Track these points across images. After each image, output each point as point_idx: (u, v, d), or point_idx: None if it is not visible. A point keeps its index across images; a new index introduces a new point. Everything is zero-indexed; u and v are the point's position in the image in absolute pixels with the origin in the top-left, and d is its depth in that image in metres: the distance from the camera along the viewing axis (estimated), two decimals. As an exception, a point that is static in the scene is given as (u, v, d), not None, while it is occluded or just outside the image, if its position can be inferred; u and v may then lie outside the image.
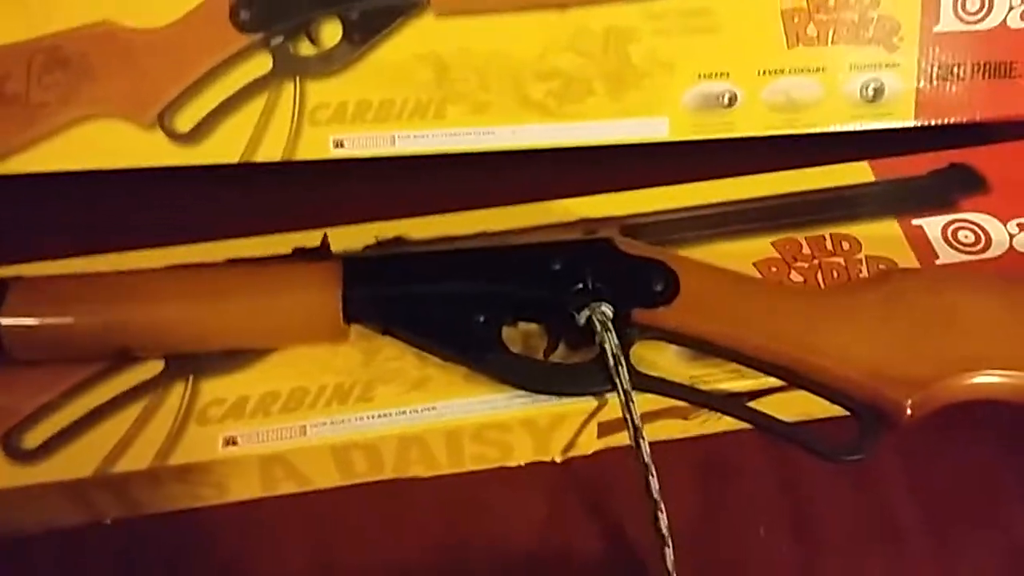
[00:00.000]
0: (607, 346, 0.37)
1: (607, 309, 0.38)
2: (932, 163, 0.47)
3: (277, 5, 0.48)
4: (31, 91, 0.48)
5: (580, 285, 0.39)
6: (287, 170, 0.49)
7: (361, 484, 0.41)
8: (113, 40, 0.48)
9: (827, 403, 0.37)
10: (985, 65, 0.50)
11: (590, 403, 0.38)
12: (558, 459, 0.42)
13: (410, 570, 0.39)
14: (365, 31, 0.49)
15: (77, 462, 0.37)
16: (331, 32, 0.49)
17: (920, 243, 0.44)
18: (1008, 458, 0.41)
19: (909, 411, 0.36)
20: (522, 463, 0.42)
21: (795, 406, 0.39)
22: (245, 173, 0.49)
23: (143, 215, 0.49)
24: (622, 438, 0.41)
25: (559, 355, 0.40)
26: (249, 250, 0.43)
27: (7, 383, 0.39)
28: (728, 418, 0.39)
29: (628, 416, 0.36)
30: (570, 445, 0.41)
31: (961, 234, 0.44)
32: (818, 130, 0.50)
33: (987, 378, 0.35)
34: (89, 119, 0.48)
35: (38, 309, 0.38)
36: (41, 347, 0.38)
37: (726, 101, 0.50)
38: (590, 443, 0.41)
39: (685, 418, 0.41)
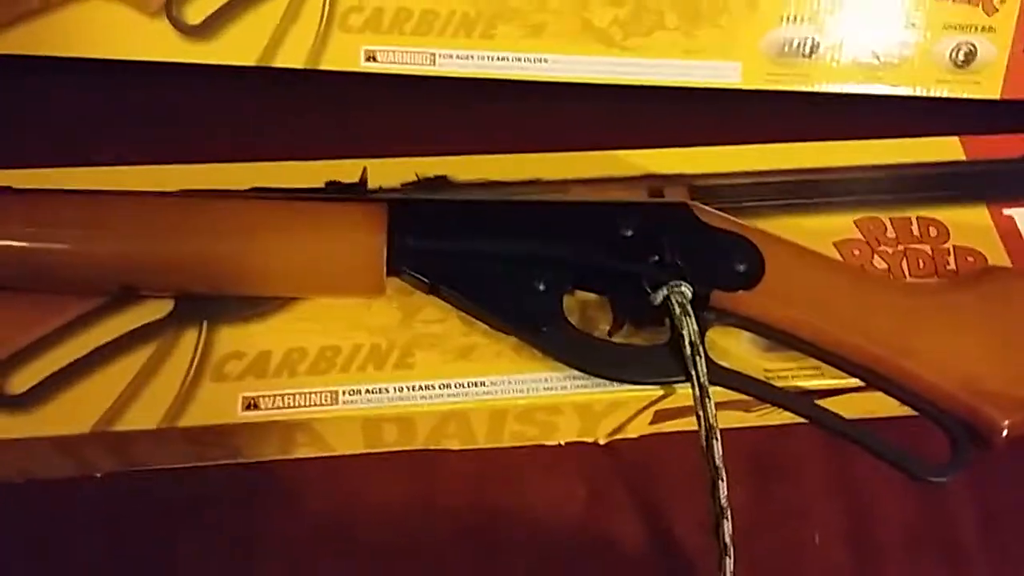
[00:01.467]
0: (686, 332, 0.33)
1: (687, 289, 0.34)
2: (1026, 146, 0.43)
3: None
4: (18, -41, 0.41)
5: (656, 257, 0.34)
6: (310, 80, 0.43)
7: (386, 452, 0.37)
8: (119, -92, 0.41)
9: (892, 403, 0.34)
10: (1089, 40, 0.45)
11: (654, 391, 0.35)
12: (602, 441, 0.38)
13: (437, 549, 0.36)
14: (414, -73, 0.42)
15: (72, 415, 0.32)
16: (376, -76, 0.42)
17: (1011, 235, 0.40)
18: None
19: (1005, 432, 0.33)
20: (562, 443, 0.38)
21: (858, 404, 0.35)
22: (261, 79, 0.43)
23: (143, 117, 0.42)
24: (673, 424, 0.38)
25: (620, 333, 0.36)
26: (274, 176, 0.38)
27: (-8, 313, 0.33)
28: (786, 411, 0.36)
29: (702, 413, 0.33)
30: (618, 429, 0.38)
31: (1055, 230, 0.40)
32: (899, 92, 0.46)
33: (1094, 404, 0.33)
34: (88, 1, 0.42)
35: (29, 228, 0.33)
36: (30, 273, 0.33)
37: (807, 50, 0.45)
38: (640, 428, 0.38)
39: (747, 410, 0.38)
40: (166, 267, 0.34)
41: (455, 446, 0.37)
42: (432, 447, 0.37)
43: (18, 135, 0.40)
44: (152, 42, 0.42)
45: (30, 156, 0.37)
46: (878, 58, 0.45)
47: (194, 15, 0.42)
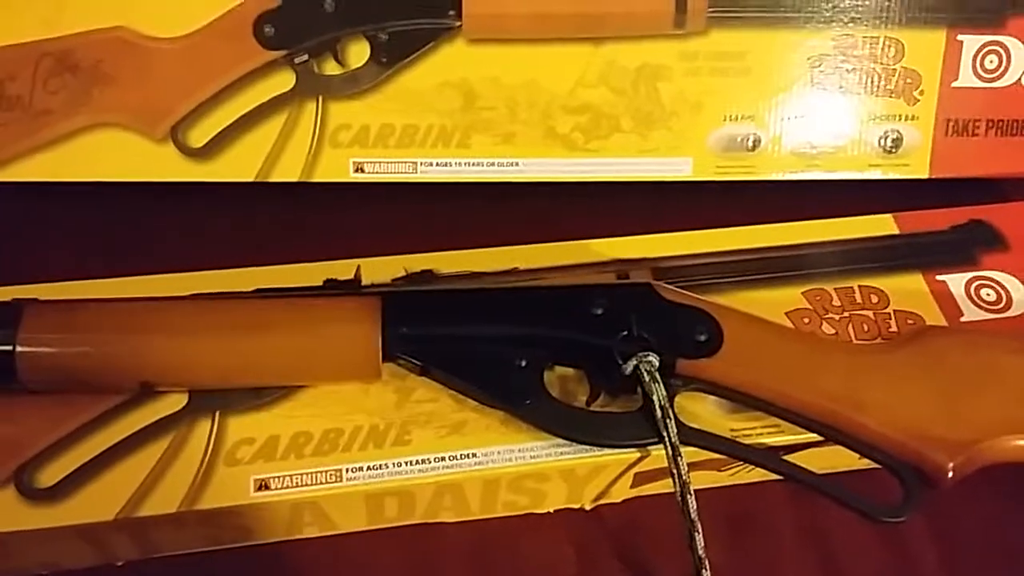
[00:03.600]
0: (655, 398, 0.36)
1: (654, 359, 0.37)
2: (952, 218, 0.48)
3: (304, 22, 0.46)
4: (35, 95, 0.46)
5: (625, 332, 0.38)
6: (305, 193, 0.47)
7: (388, 528, 0.40)
8: (127, 47, 0.46)
9: (855, 457, 0.37)
10: (999, 122, 0.51)
11: (631, 454, 0.38)
12: (588, 506, 0.41)
13: (439, 617, 0.38)
14: (393, 54, 0.47)
15: (97, 504, 0.35)
16: (358, 53, 0.47)
17: (945, 299, 0.44)
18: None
19: (951, 473, 0.36)
20: (551, 510, 0.41)
21: (824, 459, 0.39)
22: (261, 194, 0.47)
23: (155, 232, 0.46)
24: (653, 487, 0.41)
25: (597, 402, 0.39)
26: (276, 278, 0.42)
27: (20, 414, 0.36)
28: (757, 469, 0.39)
29: (676, 471, 0.36)
30: (602, 494, 0.41)
31: (983, 292, 0.45)
32: (837, 176, 0.51)
33: (1027, 442, 0.36)
34: (97, 128, 0.46)
35: (55, 336, 0.36)
36: (57, 376, 0.36)
37: (750, 144, 0.50)
38: (622, 492, 0.41)
39: (719, 469, 0.41)
40: (180, 365, 0.37)
41: (451, 518, 0.40)
42: (430, 520, 0.40)
43: (40, 252, 0.43)
44: (160, 165, 0.46)
45: (52, 271, 0.41)
46: (814, 148, 0.50)
47: (197, 139, 0.47)
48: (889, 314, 0.43)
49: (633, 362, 0.37)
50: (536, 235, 0.45)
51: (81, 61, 0.45)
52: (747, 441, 0.38)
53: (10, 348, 0.35)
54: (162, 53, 0.46)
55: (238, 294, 0.40)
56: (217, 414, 0.37)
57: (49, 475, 0.35)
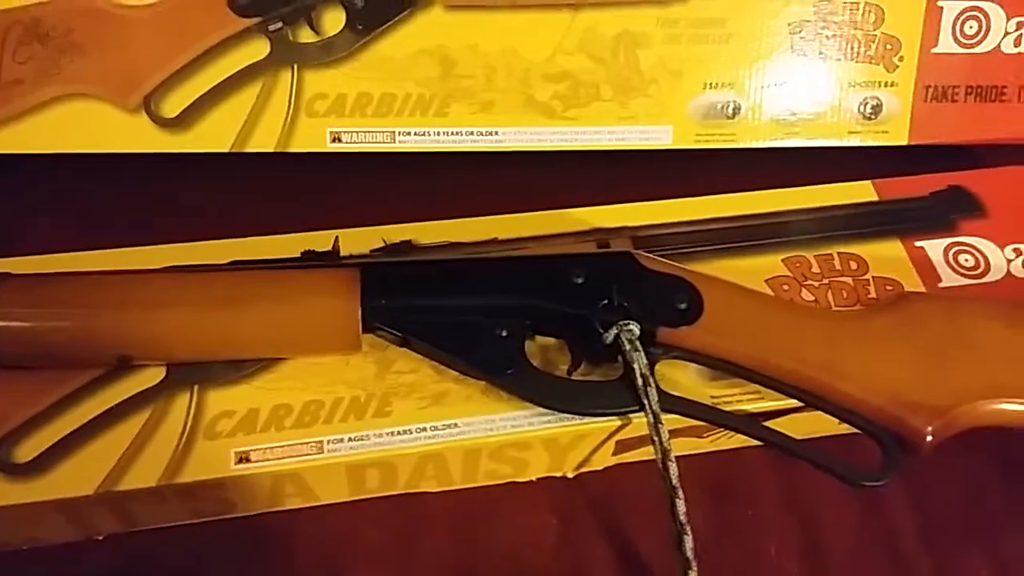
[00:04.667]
0: (636, 366, 0.36)
1: (635, 328, 0.37)
2: (931, 184, 0.48)
3: (279, -11, 0.45)
4: (3, 65, 0.45)
5: (605, 301, 0.38)
6: (281, 162, 0.47)
7: (370, 499, 0.40)
8: (99, 15, 0.45)
9: (835, 422, 0.38)
10: (979, 88, 0.51)
11: (613, 422, 0.38)
12: (570, 475, 0.41)
13: (422, 587, 0.39)
14: (369, 21, 0.46)
15: (77, 479, 0.34)
16: (334, 20, 0.46)
17: (924, 265, 0.44)
18: (1000, 480, 0.43)
19: (930, 438, 0.36)
20: (534, 478, 0.41)
21: (804, 425, 0.39)
22: (237, 164, 0.46)
23: (130, 203, 0.46)
24: (634, 455, 0.41)
25: (578, 371, 0.39)
26: (253, 250, 0.41)
27: (-5, 390, 0.36)
28: (738, 436, 0.40)
29: (657, 438, 0.36)
30: (584, 462, 0.41)
31: (962, 257, 0.45)
32: (816, 143, 0.51)
33: (1004, 405, 0.36)
34: (68, 99, 0.45)
35: (30, 310, 0.36)
36: (33, 351, 0.36)
37: (730, 111, 0.50)
38: (604, 460, 0.41)
39: (700, 436, 0.41)
40: (157, 338, 0.36)
41: (434, 488, 0.40)
42: (412, 490, 0.40)
43: (15, 226, 0.43)
44: (133, 135, 0.45)
45: (26, 244, 0.40)
46: (794, 115, 0.50)
47: (170, 109, 0.46)
48: (868, 280, 0.44)
49: (614, 331, 0.37)
50: (515, 205, 0.45)
51: (51, 30, 0.44)
52: (728, 408, 0.39)
53: (-17, 323, 0.35)
54: (134, 21, 0.45)
55: (215, 266, 0.39)
56: (196, 387, 0.37)
57: (27, 450, 0.35)
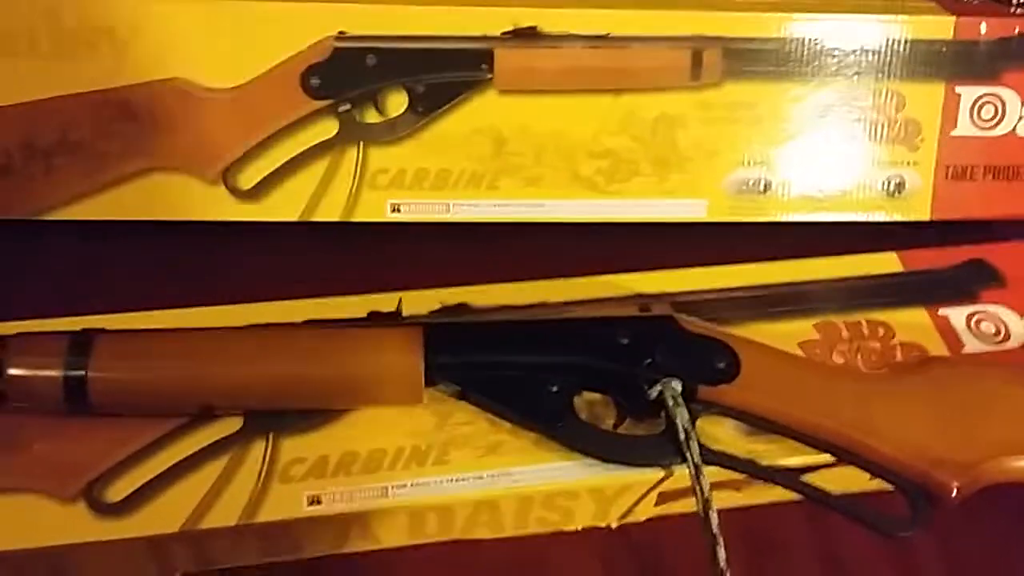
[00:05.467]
0: (678, 421, 0.39)
1: (677, 385, 0.40)
2: (953, 257, 0.51)
3: (347, 74, 0.50)
4: (96, 140, 0.49)
5: (649, 360, 0.41)
6: (345, 230, 0.51)
7: (426, 544, 0.42)
8: (183, 97, 0.49)
9: (866, 477, 0.40)
10: (996, 168, 0.54)
11: (656, 474, 0.40)
12: (614, 525, 0.44)
13: (474, 630, 0.41)
14: (429, 103, 0.51)
15: (163, 517, 0.37)
16: (397, 102, 0.51)
17: (947, 332, 0.47)
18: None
19: (955, 492, 0.39)
20: (579, 527, 0.44)
21: (837, 479, 0.41)
22: (304, 232, 0.50)
23: (208, 267, 0.50)
24: (677, 507, 0.44)
25: (623, 425, 0.42)
26: (322, 310, 0.45)
27: (89, 435, 0.39)
28: (774, 489, 0.42)
29: (698, 488, 0.38)
30: (628, 512, 0.43)
31: (983, 325, 0.47)
32: (843, 218, 0.54)
33: (1025, 463, 0.39)
34: (153, 171, 0.49)
35: (124, 363, 0.39)
36: (125, 401, 0.39)
37: (761, 187, 0.53)
38: (647, 510, 0.43)
39: (738, 489, 0.43)
40: (238, 389, 0.40)
41: (487, 534, 0.42)
42: (467, 536, 0.42)
43: (103, 286, 0.47)
44: (212, 205, 0.50)
45: (115, 303, 0.44)
46: (822, 191, 0.53)
47: (246, 181, 0.50)
48: (895, 346, 0.46)
49: (658, 388, 0.40)
50: (562, 271, 0.49)
51: (140, 109, 0.49)
52: (764, 462, 0.41)
53: (82, 374, 0.38)
54: (215, 102, 0.49)
55: (290, 325, 0.43)
56: (271, 435, 0.40)
57: (117, 491, 0.38)
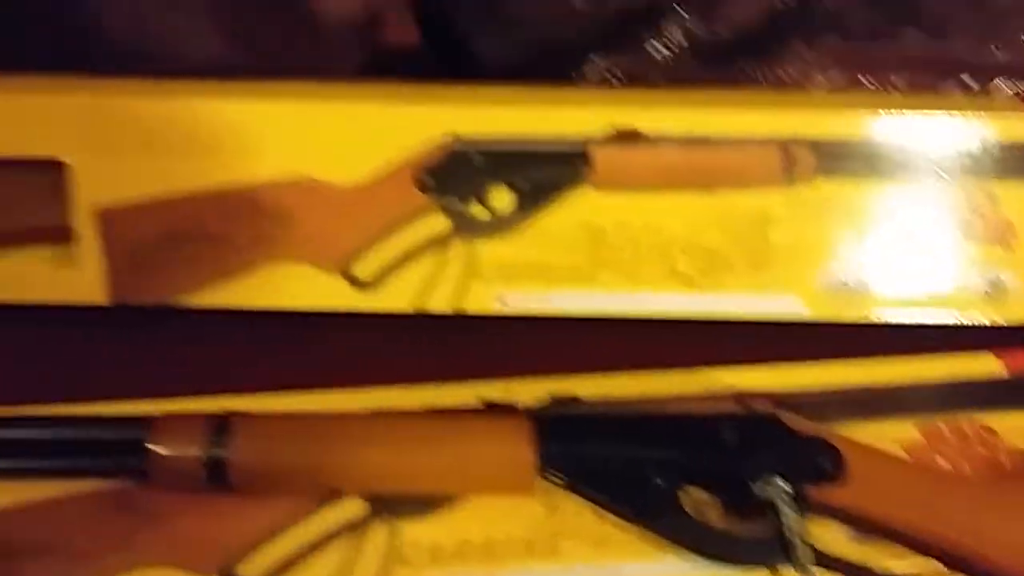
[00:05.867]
0: (786, 521, 0.40)
1: (784, 485, 0.41)
2: (1057, 360, 0.51)
3: (458, 174, 0.53)
4: (228, 232, 0.53)
5: (755, 459, 0.42)
6: (454, 320, 0.53)
7: (531, 631, 0.43)
8: (309, 193, 0.52)
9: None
10: (1097, 270, 0.54)
11: (762, 573, 0.41)
12: (717, 620, 0.44)
13: None
14: (532, 200, 0.53)
15: (293, 598, 0.40)
16: (503, 200, 0.53)
17: (1054, 438, 0.47)
18: None
19: (1068, 604, 0.39)
20: (682, 619, 0.44)
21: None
22: (414, 321, 0.53)
23: (327, 354, 0.52)
24: (779, 604, 0.44)
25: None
26: (437, 397, 0.47)
27: (226, 512, 0.42)
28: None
29: (807, 590, 0.39)
30: (731, 607, 0.44)
31: (1092, 433, 0.47)
32: (939, 319, 0.54)
33: None
34: (278, 262, 0.53)
35: (260, 445, 0.42)
36: (262, 481, 0.41)
37: (856, 286, 0.54)
38: (749, 606, 0.44)
39: (839, 591, 0.44)
40: (362, 472, 0.42)
41: (593, 626, 0.44)
42: (573, 627, 0.43)
43: (231, 368, 0.50)
44: (331, 294, 0.52)
45: (243, 384, 0.47)
46: (916, 291, 0.54)
47: (364, 272, 0.53)
48: (1001, 450, 0.46)
49: (765, 486, 0.41)
50: (662, 363, 0.50)
51: (269, 204, 0.52)
52: (870, 566, 0.41)
53: (223, 455, 0.41)
54: (337, 198, 0.52)
55: (412, 413, 0.45)
56: (392, 518, 0.42)
57: (250, 568, 0.40)
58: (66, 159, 0.51)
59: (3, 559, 0.41)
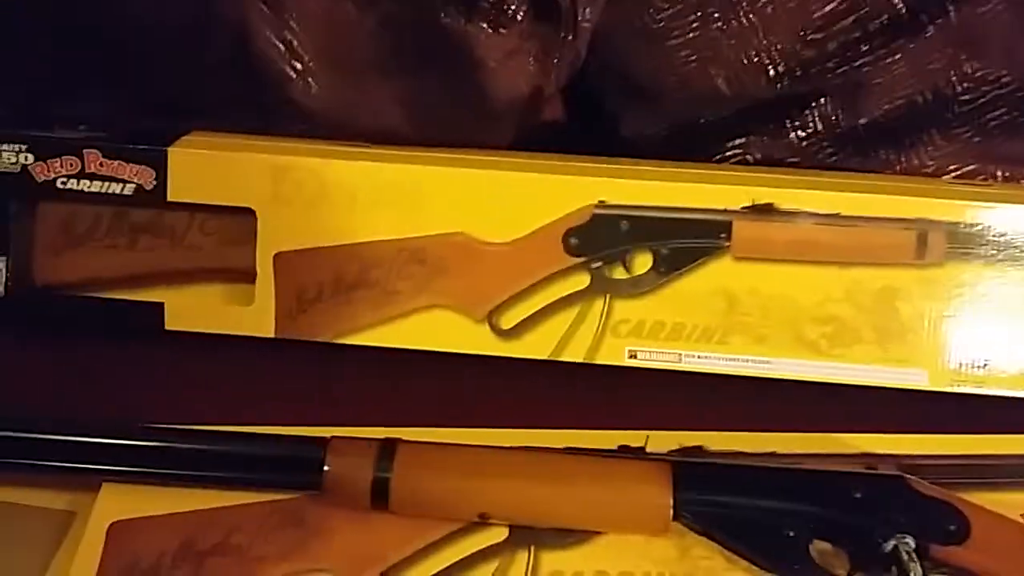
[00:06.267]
0: (912, 575, 0.42)
1: (911, 541, 0.43)
2: None
3: (603, 236, 0.57)
4: (391, 280, 0.58)
5: (882, 516, 0.44)
6: (586, 371, 0.57)
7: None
8: (466, 248, 0.58)
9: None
10: None
11: (885, 626, 0.43)
12: (839, 671, 0.46)
13: None
14: (672, 265, 0.57)
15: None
16: (642, 262, 0.57)
17: None
18: None
19: None
20: (806, 668, 0.46)
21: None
22: (550, 369, 0.57)
23: (473, 395, 0.57)
24: (901, 660, 0.46)
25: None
26: (575, 441, 0.51)
27: (385, 532, 0.46)
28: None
29: (932, 646, 0.41)
30: (852, 660, 0.46)
31: None
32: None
33: None
34: (432, 309, 0.58)
35: (422, 471, 0.46)
36: (419, 503, 0.46)
37: (981, 363, 0.56)
38: (871, 659, 0.46)
39: (962, 649, 0.45)
40: (509, 502, 0.46)
41: (719, 662, 0.46)
42: (696, 661, 0.46)
43: (389, 403, 0.55)
44: (477, 341, 0.57)
45: (399, 418, 0.51)
46: (1036, 368, 0.56)
47: (507, 322, 0.58)
48: (1126, 526, 0.47)
49: (892, 542, 0.43)
50: (788, 426, 0.53)
51: (429, 256, 0.58)
52: (993, 627, 0.43)
53: (388, 476, 0.45)
54: (491, 254, 0.58)
55: (556, 450, 0.49)
56: (533, 548, 0.46)
57: (399, 587, 0.45)
58: (256, 208, 0.58)
59: (186, 555, 0.46)
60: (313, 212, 0.58)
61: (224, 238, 0.60)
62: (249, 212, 0.58)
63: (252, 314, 0.59)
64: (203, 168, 0.58)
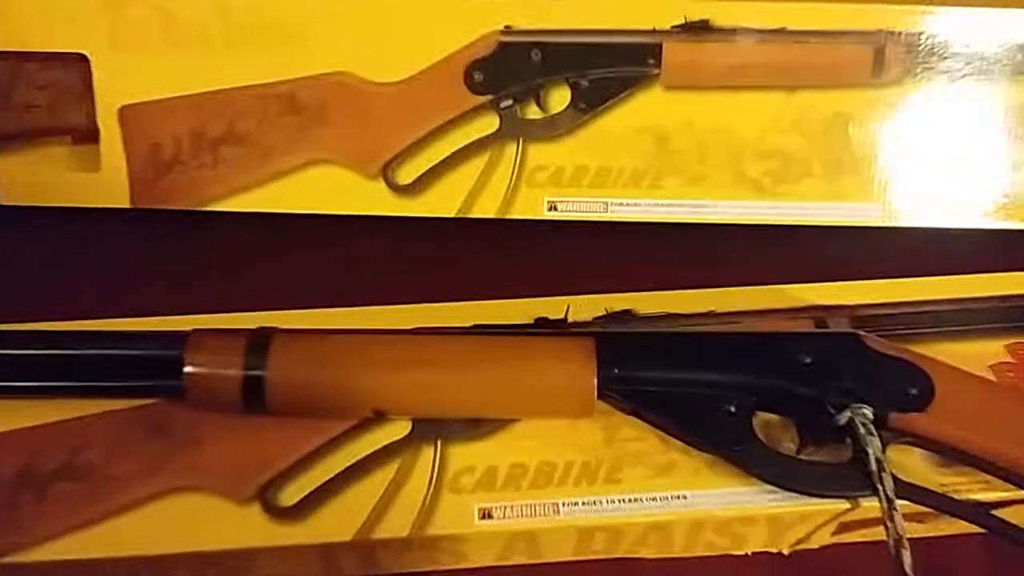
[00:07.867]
0: (871, 451, 0.37)
1: (868, 412, 0.38)
2: None
3: (511, 70, 0.48)
4: (262, 133, 0.49)
5: (835, 383, 0.39)
6: (500, 227, 0.50)
7: (590, 560, 0.41)
8: (349, 90, 0.48)
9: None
10: None
11: (840, 504, 0.38)
12: (786, 551, 0.42)
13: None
14: (593, 99, 0.49)
15: (336, 525, 0.37)
16: (559, 98, 0.49)
17: None
18: None
19: None
20: (749, 552, 0.42)
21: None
22: (460, 228, 0.49)
23: (366, 263, 0.49)
24: (854, 536, 0.41)
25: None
26: (487, 313, 0.44)
27: (263, 436, 0.39)
28: (957, 522, 0.39)
29: (891, 524, 0.36)
30: (802, 540, 0.41)
31: None
32: (1026, 226, 0.50)
33: None
34: (315, 164, 0.49)
35: (301, 364, 0.39)
36: (301, 402, 0.39)
37: (943, 192, 0.50)
38: (822, 539, 0.41)
39: (921, 521, 0.41)
40: (409, 394, 0.39)
41: (652, 555, 0.41)
42: (632, 555, 0.41)
43: (267, 278, 0.47)
44: (371, 200, 0.49)
45: (279, 296, 0.44)
46: (1006, 197, 0.50)
47: (405, 177, 0.49)
48: (1098, 373, 0.43)
49: (847, 414, 0.38)
50: (728, 276, 0.47)
51: (305, 103, 0.49)
52: (955, 495, 0.38)
53: (261, 374, 0.38)
54: (379, 97, 0.48)
55: (458, 329, 0.42)
56: (439, 442, 0.40)
57: (290, 494, 0.38)
58: (89, 53, 0.48)
59: (28, 483, 0.39)
60: (159, 56, 0.48)
61: (59, 92, 0.50)
62: (84, 59, 0.48)
63: (101, 182, 0.50)
64: (24, 9, 0.47)
